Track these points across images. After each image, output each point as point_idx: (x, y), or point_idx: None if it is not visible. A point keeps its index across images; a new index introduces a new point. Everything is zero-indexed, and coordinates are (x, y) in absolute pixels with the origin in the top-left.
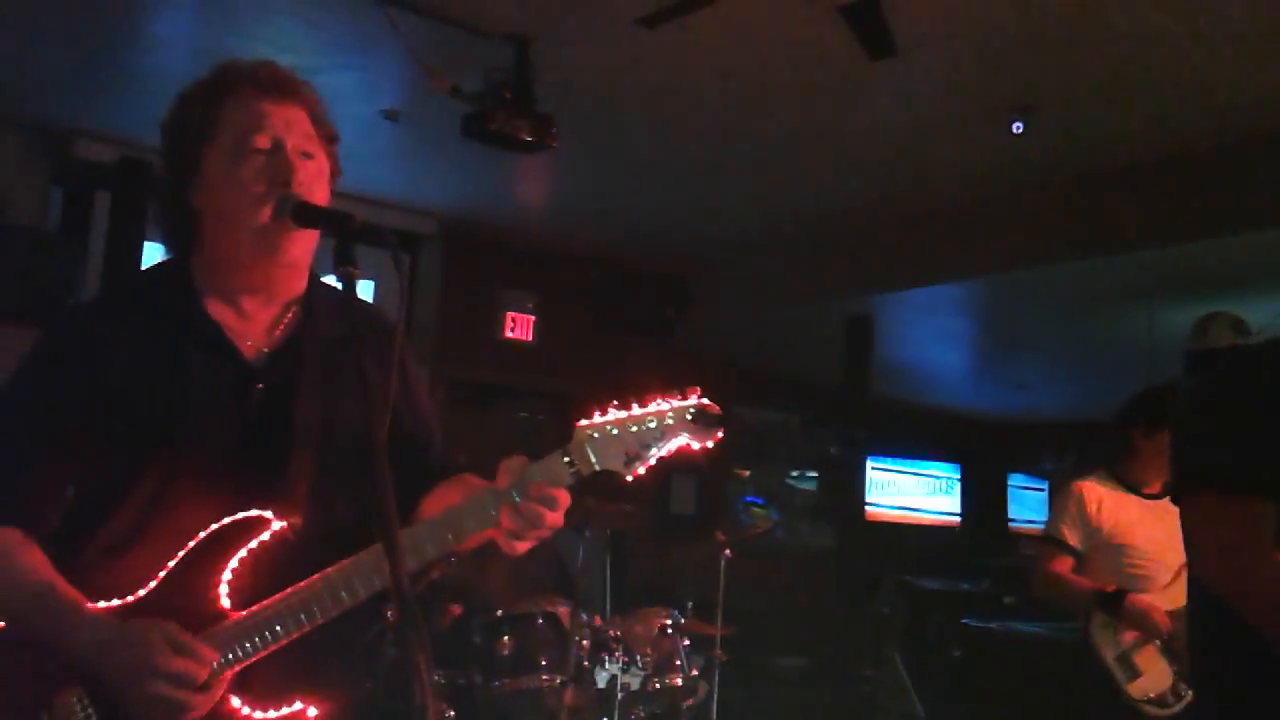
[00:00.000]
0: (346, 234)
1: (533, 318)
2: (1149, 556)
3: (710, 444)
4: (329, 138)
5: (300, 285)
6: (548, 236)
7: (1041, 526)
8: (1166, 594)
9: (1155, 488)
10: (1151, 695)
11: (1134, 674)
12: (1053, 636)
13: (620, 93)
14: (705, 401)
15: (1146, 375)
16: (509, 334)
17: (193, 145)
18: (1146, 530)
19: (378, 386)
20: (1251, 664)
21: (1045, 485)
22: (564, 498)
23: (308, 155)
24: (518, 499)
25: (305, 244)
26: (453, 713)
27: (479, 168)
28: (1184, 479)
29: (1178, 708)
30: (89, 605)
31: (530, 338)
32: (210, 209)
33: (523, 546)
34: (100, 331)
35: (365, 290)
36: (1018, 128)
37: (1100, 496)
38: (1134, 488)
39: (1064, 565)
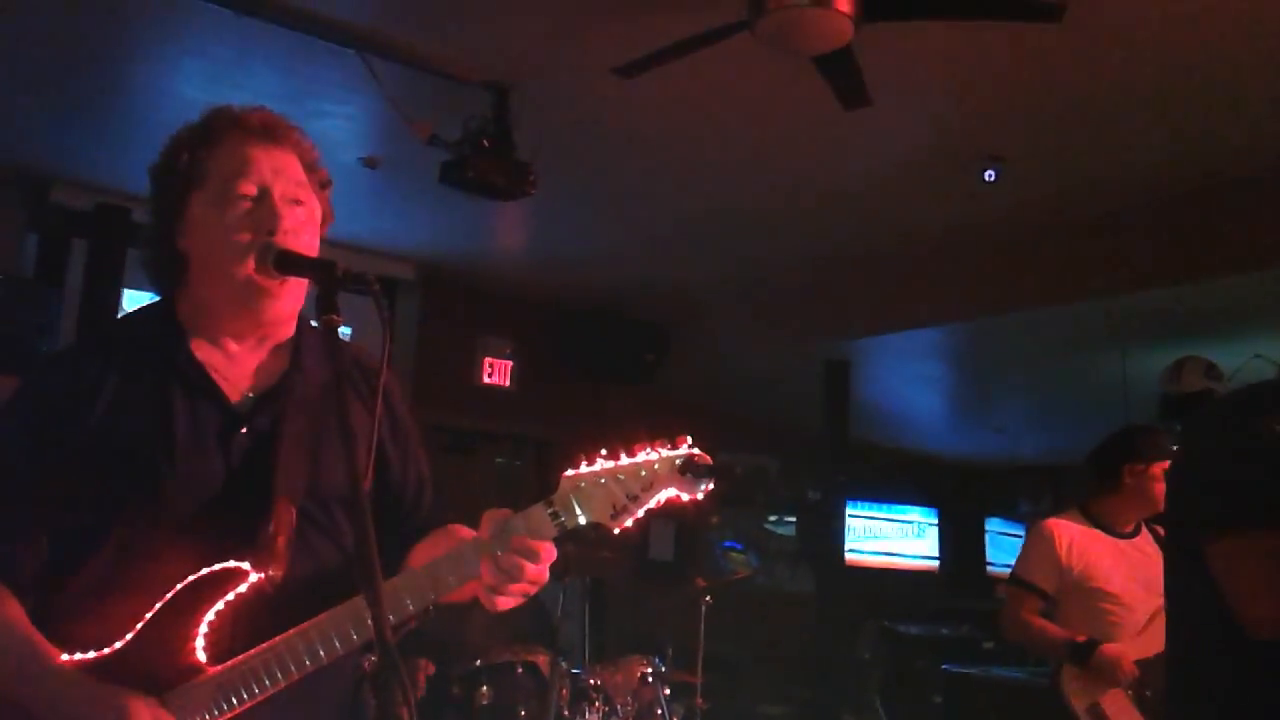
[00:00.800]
0: (330, 282)
1: (511, 363)
2: (1121, 601)
3: (700, 496)
4: (321, 183)
5: (289, 329)
6: (526, 282)
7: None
8: (1140, 640)
9: (1129, 527)
10: None
11: None
12: (1033, 682)
13: (598, 141)
14: (696, 451)
15: (1121, 418)
16: (487, 379)
17: (180, 190)
18: (1120, 573)
19: (362, 434)
20: (1234, 710)
21: (1023, 529)
22: (547, 550)
23: (296, 202)
24: (499, 551)
25: (293, 294)
26: None
27: (457, 214)
28: (1215, 520)
29: None
30: (63, 667)
31: (508, 383)
32: (196, 254)
33: (504, 603)
34: (84, 376)
35: (343, 337)
36: (990, 176)
37: (1071, 537)
38: (1107, 527)
39: (1033, 609)
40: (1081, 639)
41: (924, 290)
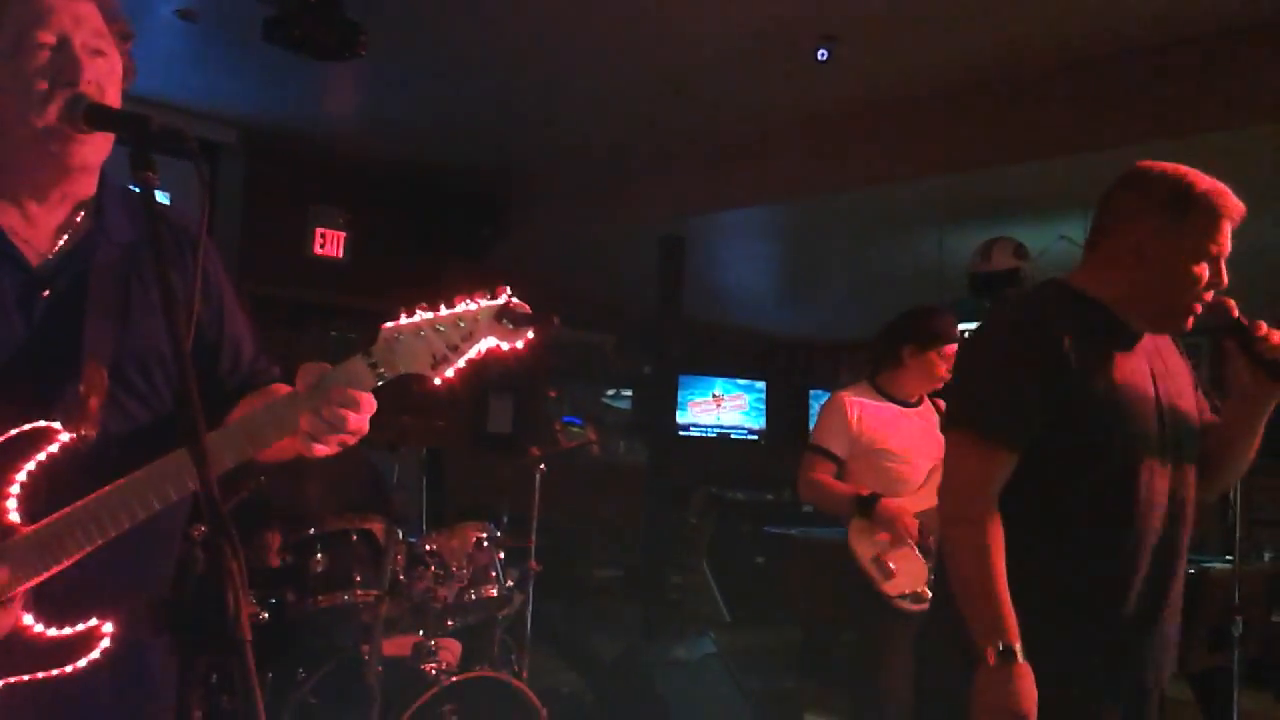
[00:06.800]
0: (143, 138)
1: (344, 234)
2: (904, 460)
3: (520, 344)
4: (122, 35)
5: (90, 187)
6: (360, 150)
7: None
8: (920, 495)
9: (914, 398)
10: (906, 592)
11: (888, 574)
12: (843, 540)
13: (430, 5)
14: (514, 300)
15: (936, 295)
16: (319, 251)
17: None
18: (902, 436)
19: (180, 293)
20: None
21: None
22: (368, 401)
23: (98, 53)
24: (319, 402)
25: (96, 147)
26: (265, 615)
27: (284, 75)
28: (952, 413)
29: None
30: None
31: (341, 255)
32: None
33: (321, 450)
34: None
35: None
36: (822, 55)
37: (860, 407)
38: (892, 397)
39: (826, 471)
40: (865, 492)
41: (754, 169)
